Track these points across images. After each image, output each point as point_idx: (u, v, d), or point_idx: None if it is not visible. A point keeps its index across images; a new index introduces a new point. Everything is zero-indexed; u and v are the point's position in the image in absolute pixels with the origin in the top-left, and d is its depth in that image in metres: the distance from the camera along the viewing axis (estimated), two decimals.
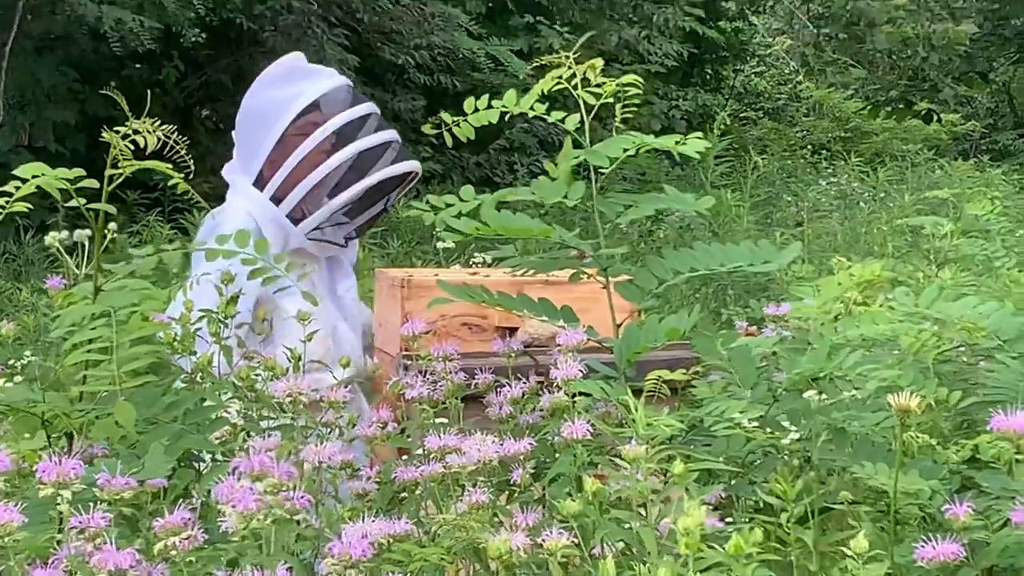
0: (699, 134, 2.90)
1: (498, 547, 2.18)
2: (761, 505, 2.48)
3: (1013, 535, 2.18)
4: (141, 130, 2.33)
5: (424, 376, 2.86)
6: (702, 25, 16.86)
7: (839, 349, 2.59)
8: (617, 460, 2.26)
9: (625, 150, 2.82)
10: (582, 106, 2.81)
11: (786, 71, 23.15)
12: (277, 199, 3.72)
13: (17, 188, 2.42)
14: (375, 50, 13.41)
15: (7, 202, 2.45)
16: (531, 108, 2.83)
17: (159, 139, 2.34)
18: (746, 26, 21.09)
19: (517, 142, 14.80)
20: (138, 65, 13.36)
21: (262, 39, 13.10)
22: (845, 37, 19.76)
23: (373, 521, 2.28)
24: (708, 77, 20.11)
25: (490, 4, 15.23)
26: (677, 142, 2.85)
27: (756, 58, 22.67)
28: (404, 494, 2.62)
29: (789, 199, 12.16)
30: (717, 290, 8.17)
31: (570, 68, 2.82)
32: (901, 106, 20.84)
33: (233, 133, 3.86)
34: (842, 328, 2.81)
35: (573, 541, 2.20)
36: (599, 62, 2.82)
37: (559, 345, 2.71)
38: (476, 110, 2.88)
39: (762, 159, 12.89)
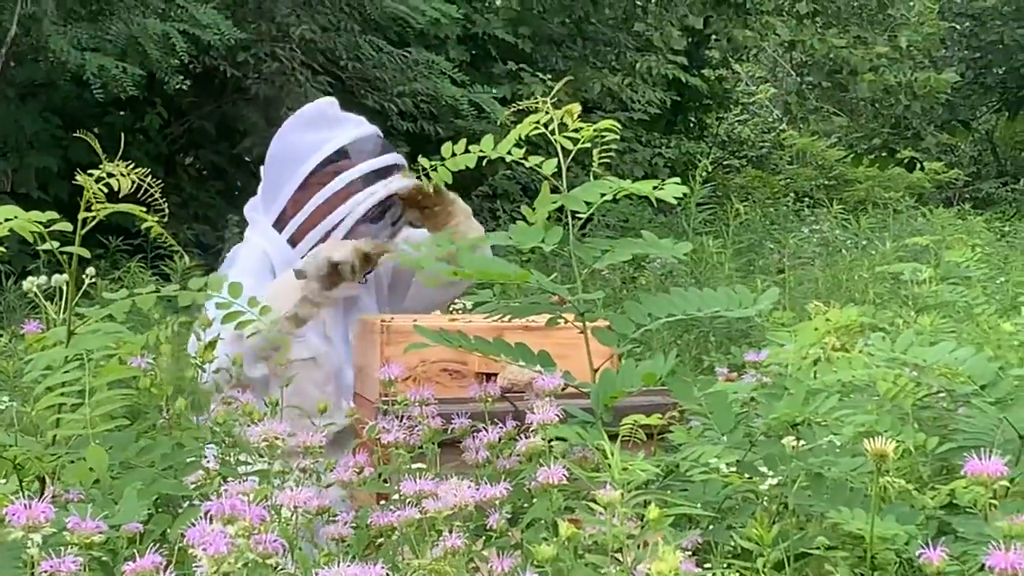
0: (677, 179, 2.91)
1: None
2: (738, 550, 2.47)
3: None
4: (115, 173, 2.33)
5: (401, 421, 2.85)
6: (685, 73, 16.90)
7: (816, 394, 2.59)
8: (593, 505, 2.25)
9: (602, 195, 2.83)
10: (559, 151, 2.81)
11: (769, 119, 23.27)
12: (294, 241, 3.73)
13: None
14: (359, 97, 13.41)
15: None
16: (508, 153, 2.84)
17: (133, 182, 2.34)
18: (730, 74, 21.19)
19: (500, 189, 14.81)
20: (121, 112, 13.36)
21: (246, 86, 13.12)
22: (828, 85, 19.84)
23: (348, 566, 2.26)
24: (692, 125, 20.16)
25: (473, 52, 15.27)
26: (655, 187, 2.85)
27: (740, 106, 22.79)
28: (380, 539, 2.61)
29: (771, 246, 12.17)
30: (699, 336, 8.16)
31: (548, 113, 2.82)
32: (884, 154, 20.94)
33: (262, 169, 3.86)
34: (820, 373, 2.82)
35: None
36: (576, 107, 2.83)
37: (536, 390, 2.71)
38: (453, 154, 2.89)
39: (745, 207, 12.91)
